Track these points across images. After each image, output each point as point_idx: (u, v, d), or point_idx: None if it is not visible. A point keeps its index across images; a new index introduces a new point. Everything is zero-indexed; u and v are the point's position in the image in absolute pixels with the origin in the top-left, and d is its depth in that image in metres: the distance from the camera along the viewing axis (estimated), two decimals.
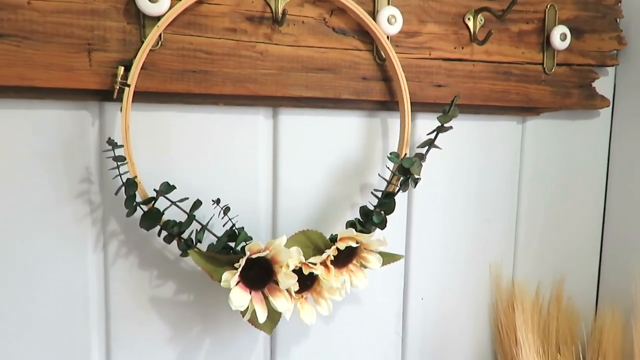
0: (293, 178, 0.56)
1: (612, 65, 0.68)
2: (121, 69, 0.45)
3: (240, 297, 0.46)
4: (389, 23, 0.53)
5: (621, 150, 0.72)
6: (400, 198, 0.60)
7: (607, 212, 0.73)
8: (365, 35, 0.54)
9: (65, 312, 0.49)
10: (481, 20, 0.59)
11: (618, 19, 0.66)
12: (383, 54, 0.54)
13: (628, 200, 0.71)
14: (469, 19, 0.58)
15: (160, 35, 0.46)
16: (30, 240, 0.47)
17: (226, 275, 0.46)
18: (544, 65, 0.63)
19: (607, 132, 0.72)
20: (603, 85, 0.69)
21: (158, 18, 0.46)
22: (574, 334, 0.70)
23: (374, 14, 0.54)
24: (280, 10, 0.50)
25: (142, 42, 0.46)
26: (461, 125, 0.62)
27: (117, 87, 0.45)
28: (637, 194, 0.70)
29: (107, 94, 0.46)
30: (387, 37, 0.54)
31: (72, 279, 0.49)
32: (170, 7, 0.45)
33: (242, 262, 0.46)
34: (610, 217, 0.73)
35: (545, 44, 0.62)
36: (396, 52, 0.54)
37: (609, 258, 0.74)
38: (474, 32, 0.59)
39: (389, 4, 0.54)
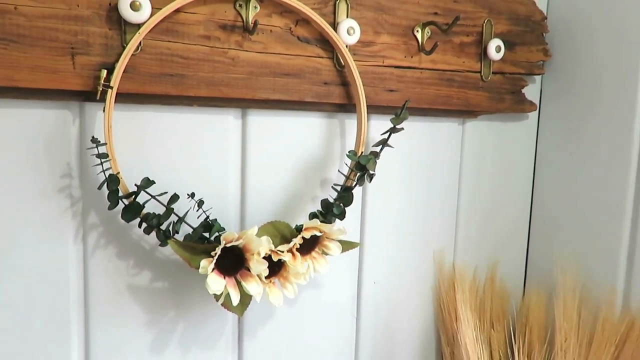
0: (260, 173, 0.60)
1: (539, 74, 0.77)
2: (104, 72, 0.48)
3: (216, 282, 0.50)
4: (348, 34, 0.59)
5: (546, 149, 0.81)
6: (357, 191, 0.66)
7: (533, 204, 0.83)
8: (327, 44, 0.59)
9: (47, 298, 0.51)
10: (428, 32, 0.65)
11: (544, 34, 0.75)
12: (342, 61, 0.60)
13: (552, 193, 0.80)
14: (417, 31, 0.65)
15: (140, 41, 0.50)
16: (14, 231, 0.49)
17: (203, 262, 0.50)
18: (482, 74, 0.70)
19: (534, 133, 0.81)
20: (531, 91, 0.77)
21: (138, 25, 0.49)
22: (505, 311, 0.78)
23: (334, 25, 0.59)
24: (251, 20, 0.54)
25: (123, 47, 0.49)
26: (410, 125, 0.69)
27: (100, 89, 0.48)
28: (560, 188, 0.79)
29: (89, 95, 0.49)
30: (346, 46, 0.59)
31: (53, 267, 0.51)
32: (151, 16, 0.49)
33: (218, 250, 0.50)
34: (536, 209, 0.82)
35: (483, 54, 0.70)
36: (354, 60, 0.59)
37: (535, 245, 0.83)
38: (422, 43, 0.65)
39: (348, 16, 0.60)
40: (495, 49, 0.69)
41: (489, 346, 0.75)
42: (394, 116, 0.61)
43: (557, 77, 0.78)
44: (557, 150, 0.79)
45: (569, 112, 0.77)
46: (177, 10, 0.51)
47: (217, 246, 0.50)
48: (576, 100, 0.76)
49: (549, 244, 0.80)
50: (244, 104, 0.58)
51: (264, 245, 0.53)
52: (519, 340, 0.74)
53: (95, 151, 0.48)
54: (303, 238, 0.55)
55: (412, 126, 0.69)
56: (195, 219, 0.54)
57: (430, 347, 0.76)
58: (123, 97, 0.50)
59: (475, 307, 0.75)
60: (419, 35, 0.65)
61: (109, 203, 0.49)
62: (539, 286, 0.78)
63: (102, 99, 0.48)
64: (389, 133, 0.61)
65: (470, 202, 0.76)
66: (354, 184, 0.60)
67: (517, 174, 0.80)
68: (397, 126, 0.61)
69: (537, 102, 0.79)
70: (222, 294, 0.51)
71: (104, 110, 0.48)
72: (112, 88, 0.48)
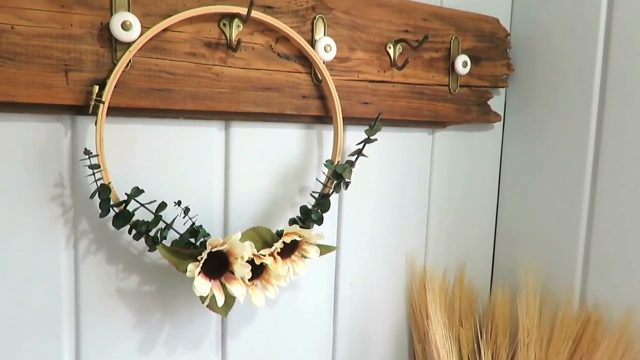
0: (242, 181, 0.64)
1: (503, 87, 0.82)
2: (96, 88, 0.51)
3: (202, 285, 0.53)
4: (325, 51, 0.63)
5: (510, 157, 0.86)
6: (333, 198, 0.70)
7: (499, 209, 0.88)
8: (305, 60, 0.63)
9: (39, 301, 0.53)
10: (400, 49, 0.70)
11: (508, 49, 0.80)
12: (320, 76, 0.64)
13: (516, 199, 0.85)
14: (389, 47, 0.69)
15: (130, 58, 0.53)
16: (8, 237, 0.51)
17: (190, 266, 0.53)
18: (450, 87, 0.75)
19: (499, 142, 0.86)
20: (496, 103, 0.82)
21: (129, 43, 0.52)
22: (473, 309, 0.83)
23: (312, 43, 0.63)
24: (234, 38, 0.58)
25: (114, 63, 0.52)
26: (383, 135, 0.73)
27: (92, 104, 0.51)
28: (523, 193, 0.84)
29: (80, 109, 0.52)
30: (323, 62, 0.63)
31: (46, 272, 0.54)
32: (140, 34, 0.52)
33: (205, 254, 0.53)
34: (501, 214, 0.88)
35: (451, 69, 0.74)
36: (330, 75, 0.63)
37: (500, 247, 0.88)
38: (394, 58, 0.70)
39: (325, 34, 0.64)
40: (462, 64, 0.74)
41: (457, 343, 0.79)
42: (368, 127, 0.65)
43: (520, 90, 0.84)
44: (520, 158, 0.84)
45: (531, 122, 0.83)
46: (165, 29, 0.54)
47: (203, 251, 0.54)
48: (537, 111, 0.81)
49: (513, 247, 0.86)
50: (228, 116, 0.61)
51: (247, 249, 0.56)
52: (485, 337, 0.79)
53: (88, 162, 0.50)
54: (284, 242, 0.59)
55: (385, 136, 0.74)
56: (181, 226, 0.58)
57: (403, 344, 0.80)
58: (113, 111, 0.53)
59: (444, 306, 0.79)
60: (391, 52, 0.69)
61: (101, 211, 0.52)
62: (504, 286, 0.83)
63: (94, 113, 0.51)
64: (363, 143, 0.65)
65: (440, 207, 0.81)
66: (331, 192, 0.64)
67: (484, 180, 0.85)
68: (371, 137, 0.65)
69: (501, 113, 0.84)
70: (207, 296, 0.54)
71: (95, 124, 0.51)
72: (103, 103, 0.51)
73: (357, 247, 0.74)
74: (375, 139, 0.65)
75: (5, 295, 0.52)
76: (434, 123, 0.77)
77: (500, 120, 0.82)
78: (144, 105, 0.54)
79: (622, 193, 0.71)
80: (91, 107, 0.51)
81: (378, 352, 0.78)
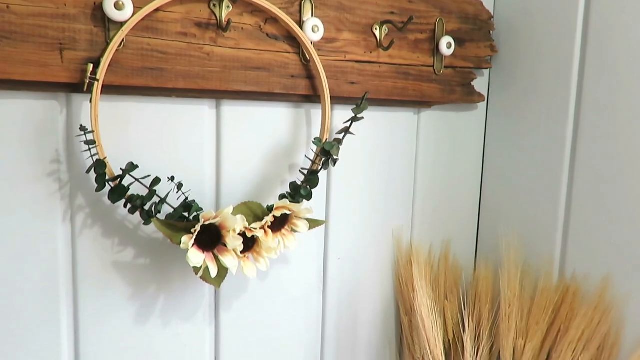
0: (234, 158, 0.66)
1: (487, 68, 0.84)
2: (90, 66, 0.52)
3: (196, 256, 0.56)
4: (312, 31, 0.65)
5: (494, 136, 0.89)
6: (322, 175, 0.72)
7: (483, 187, 0.91)
8: (293, 41, 0.65)
9: (38, 273, 0.55)
10: (385, 30, 0.72)
11: (491, 31, 0.82)
12: (308, 56, 0.65)
13: (499, 177, 0.88)
14: (376, 28, 0.71)
15: (123, 37, 0.54)
16: (7, 211, 0.53)
17: (184, 238, 0.55)
18: (435, 68, 0.77)
19: (483, 122, 0.89)
20: (480, 84, 0.85)
21: (121, 23, 0.54)
22: (458, 283, 0.86)
23: (300, 24, 0.65)
24: (224, 18, 0.60)
25: (107, 42, 0.54)
26: (370, 115, 0.75)
27: (87, 82, 0.52)
28: (506, 172, 0.87)
29: (76, 87, 0.53)
30: (311, 43, 0.65)
31: (44, 247, 0.56)
32: (133, 14, 0.54)
33: (198, 227, 0.56)
34: (485, 191, 0.90)
35: (435, 50, 0.76)
36: (318, 55, 0.65)
37: (484, 224, 0.91)
38: (380, 39, 0.72)
39: (312, 15, 0.65)
40: (446, 45, 0.76)
41: (442, 315, 0.82)
42: (355, 106, 0.67)
43: (503, 71, 0.86)
44: (504, 138, 0.87)
45: (513, 102, 0.85)
46: (157, 10, 0.56)
47: (197, 224, 0.56)
48: (520, 92, 0.84)
49: (497, 224, 0.88)
50: (218, 95, 0.63)
51: (239, 222, 0.58)
52: (469, 309, 0.82)
53: (83, 138, 0.52)
54: (274, 216, 0.61)
55: (372, 116, 0.76)
56: (175, 201, 0.60)
57: (390, 316, 0.83)
58: (108, 89, 0.55)
59: (430, 280, 0.82)
60: (377, 33, 0.71)
61: (97, 185, 0.53)
62: (487, 261, 0.86)
63: (89, 91, 0.53)
64: (350, 122, 0.67)
65: (426, 185, 0.84)
66: (319, 168, 0.66)
67: (468, 159, 0.88)
68: (358, 115, 0.67)
69: (485, 94, 0.87)
70: (201, 267, 0.57)
71: (90, 101, 0.53)
72: (98, 81, 0.53)
73: (345, 223, 0.76)
74: (362, 118, 0.67)
75: (5, 269, 0.54)
76: (420, 103, 0.79)
77: (484, 101, 0.85)
78: (137, 83, 0.56)
79: (599, 170, 0.74)
80: (86, 84, 0.52)
81: (366, 324, 0.81)
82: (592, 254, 0.75)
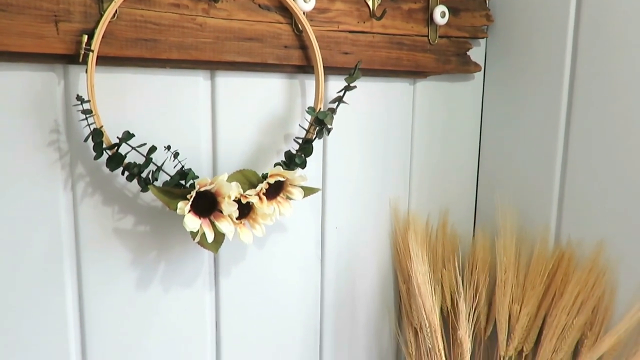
0: (229, 129, 0.67)
1: (483, 38, 0.84)
2: (85, 37, 0.54)
3: (192, 221, 0.58)
4: (304, 1, 0.65)
5: (491, 106, 0.89)
6: (318, 145, 0.73)
7: (480, 156, 0.91)
8: (285, 11, 0.66)
9: (42, 240, 0.58)
10: (378, 0, 0.72)
11: (487, 1, 0.83)
12: (300, 27, 0.66)
13: (497, 146, 0.89)
14: None
15: (116, 9, 0.56)
16: (9, 181, 0.55)
17: (180, 204, 0.57)
18: (429, 37, 0.78)
19: (480, 92, 0.89)
20: (477, 54, 0.85)
21: None
22: (455, 252, 0.87)
23: None
24: None
25: (101, 14, 0.55)
26: (365, 86, 0.76)
27: (82, 52, 0.54)
28: (504, 140, 0.87)
29: (72, 58, 0.55)
30: (304, 13, 0.66)
31: (46, 215, 0.58)
32: None
33: (193, 193, 0.57)
34: (483, 161, 0.91)
35: (430, 20, 0.77)
36: (311, 25, 0.66)
37: (483, 194, 0.92)
38: (373, 9, 0.72)
39: None
40: (440, 14, 0.76)
41: (440, 283, 0.84)
42: (348, 76, 0.68)
43: (499, 41, 0.86)
44: (501, 107, 0.87)
45: (510, 72, 0.85)
46: None
47: (193, 190, 0.57)
48: (516, 61, 0.84)
49: (494, 192, 0.89)
50: (212, 66, 0.64)
51: (234, 189, 0.60)
52: (466, 277, 0.83)
53: (80, 108, 0.54)
54: (268, 183, 0.63)
55: (367, 86, 0.77)
56: (172, 169, 0.61)
57: (389, 285, 0.85)
58: (103, 60, 0.56)
59: (428, 250, 0.83)
60: (370, 2, 0.72)
61: (95, 154, 0.55)
62: (485, 230, 0.87)
63: (84, 62, 0.54)
64: (344, 91, 0.68)
65: (423, 155, 0.85)
66: (313, 137, 0.68)
67: (465, 129, 0.88)
68: (351, 84, 0.68)
69: (482, 64, 0.87)
70: (198, 232, 0.59)
71: (86, 72, 0.54)
72: (93, 51, 0.54)
73: (342, 192, 0.77)
74: (355, 87, 0.68)
75: (9, 236, 0.56)
76: (415, 73, 0.80)
77: (480, 71, 0.85)
78: (132, 54, 0.57)
79: (594, 138, 0.74)
80: (81, 55, 0.54)
81: (365, 293, 0.83)
82: (586, 220, 0.76)
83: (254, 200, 0.61)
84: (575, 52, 0.76)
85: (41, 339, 0.59)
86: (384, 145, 0.80)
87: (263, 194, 0.63)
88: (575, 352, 0.75)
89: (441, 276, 0.84)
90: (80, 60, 0.54)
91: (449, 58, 0.80)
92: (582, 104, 0.76)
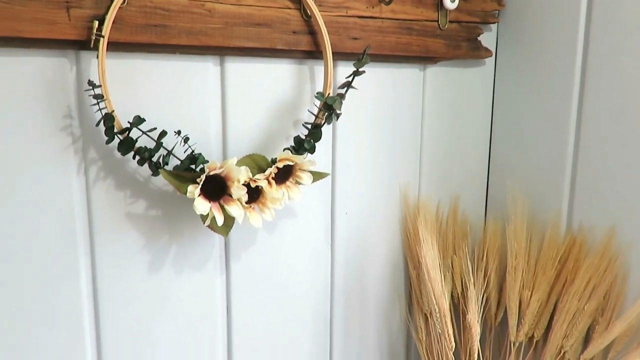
0: (239, 115, 0.68)
1: (494, 23, 0.84)
2: (96, 23, 0.55)
3: (202, 205, 0.58)
4: None
5: (502, 91, 0.88)
6: (328, 131, 0.74)
7: (492, 142, 0.91)
8: None
9: (56, 224, 0.59)
10: None
11: None
12: (309, 12, 0.66)
13: (508, 132, 0.88)
14: None
15: None
16: (24, 166, 0.56)
17: (190, 187, 0.58)
18: (439, 22, 0.77)
19: (492, 77, 0.88)
20: (488, 39, 0.84)
21: None
22: (466, 239, 0.87)
23: None
24: None
25: (111, 0, 0.56)
26: (374, 71, 0.76)
27: (94, 38, 0.55)
28: (515, 127, 0.87)
29: (83, 44, 0.56)
30: None
31: (60, 199, 0.59)
32: None
33: (203, 177, 0.58)
34: (494, 147, 0.91)
35: (439, 4, 0.76)
36: (319, 11, 0.66)
37: (494, 181, 0.92)
38: None
39: None
40: None
41: (451, 269, 0.84)
42: (356, 61, 0.68)
43: (511, 25, 0.85)
44: (512, 93, 0.87)
45: (522, 57, 0.84)
46: None
47: (202, 174, 0.58)
48: (528, 46, 0.83)
49: (506, 179, 0.89)
50: (222, 51, 0.65)
51: (243, 173, 0.60)
52: (477, 263, 0.83)
53: (92, 93, 0.55)
54: (277, 168, 0.63)
55: (377, 72, 0.77)
56: (182, 154, 0.62)
57: (399, 271, 0.85)
58: (113, 46, 0.57)
59: (438, 236, 0.83)
60: None
61: (107, 138, 0.56)
62: (497, 217, 0.87)
63: (95, 47, 0.55)
64: (352, 76, 0.68)
65: (433, 141, 0.84)
66: (322, 122, 0.68)
67: (477, 115, 0.88)
68: (360, 69, 0.68)
69: (493, 49, 0.86)
70: (208, 216, 0.59)
71: (97, 57, 0.55)
72: (103, 37, 0.55)
73: (351, 178, 0.78)
74: (364, 72, 0.68)
75: (26, 218, 0.58)
76: (425, 59, 0.79)
77: (491, 56, 0.84)
78: (142, 40, 0.58)
79: (606, 124, 0.73)
80: (92, 41, 0.55)
81: (375, 278, 0.83)
82: (598, 206, 0.75)
83: (263, 184, 0.62)
84: (588, 36, 0.75)
85: (56, 318, 0.60)
86: (394, 131, 0.80)
87: (272, 178, 0.63)
88: (587, 338, 0.75)
89: (451, 262, 0.84)
90: (92, 45, 0.55)
91: (459, 43, 0.80)
92: (594, 89, 0.75)
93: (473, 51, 0.82)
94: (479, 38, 0.82)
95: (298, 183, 0.66)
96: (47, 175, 0.58)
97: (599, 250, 0.74)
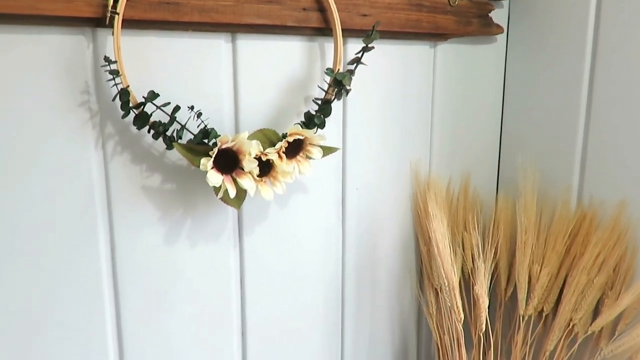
0: (250, 91, 0.69)
1: None
2: (111, 0, 0.56)
3: (215, 177, 0.60)
4: None
5: (514, 68, 0.88)
6: (338, 108, 0.75)
7: (504, 119, 0.91)
8: None
9: (76, 197, 0.61)
10: None
11: None
12: None
13: (519, 108, 0.88)
14: None
15: None
16: (45, 140, 0.59)
17: (203, 160, 0.60)
18: None
19: (503, 54, 0.88)
20: (499, 15, 0.84)
21: None
22: (477, 215, 0.87)
23: None
24: None
25: None
26: (384, 48, 0.77)
27: (109, 15, 0.57)
28: (526, 102, 0.87)
29: (99, 22, 0.58)
30: None
31: (79, 172, 0.61)
32: None
33: (216, 150, 0.60)
34: (506, 124, 0.91)
35: None
36: None
37: (505, 158, 0.92)
38: None
39: None
40: None
41: (461, 245, 0.85)
42: (365, 37, 0.69)
43: (522, 1, 0.85)
44: (524, 69, 0.87)
45: (533, 33, 0.84)
46: None
47: (215, 147, 0.60)
48: (539, 22, 0.83)
49: (518, 156, 0.89)
50: (233, 28, 0.66)
51: (254, 146, 0.62)
52: (488, 238, 0.84)
53: (108, 68, 0.57)
54: (288, 142, 0.65)
55: (387, 49, 0.77)
56: (195, 129, 0.64)
57: (410, 248, 0.86)
58: (128, 24, 0.59)
59: (449, 213, 0.84)
60: None
61: (122, 112, 0.58)
62: (508, 194, 0.87)
63: (111, 25, 0.57)
64: (362, 52, 0.69)
65: (444, 118, 0.85)
66: (332, 98, 0.69)
67: (488, 91, 0.88)
68: (369, 45, 0.69)
69: (505, 25, 0.86)
70: (220, 188, 0.61)
71: (113, 34, 0.57)
72: (118, 14, 0.57)
73: (362, 154, 0.79)
74: (373, 47, 0.69)
75: (46, 191, 0.60)
76: (435, 35, 0.80)
77: (502, 32, 0.84)
78: (155, 17, 0.60)
79: (616, 99, 0.73)
80: (107, 18, 0.57)
81: (387, 254, 0.85)
82: (609, 180, 0.75)
83: (273, 157, 0.64)
84: (599, 11, 0.74)
85: (77, 286, 0.63)
86: (404, 108, 0.81)
87: (283, 152, 0.65)
88: (596, 311, 0.75)
89: (462, 239, 0.85)
90: (107, 22, 0.57)
91: (470, 20, 0.80)
92: (605, 64, 0.75)
93: (484, 27, 0.82)
94: (490, 14, 0.82)
95: (308, 157, 0.68)
96: (67, 149, 0.60)
97: (609, 224, 0.74)
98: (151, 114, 0.60)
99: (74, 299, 0.63)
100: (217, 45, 0.66)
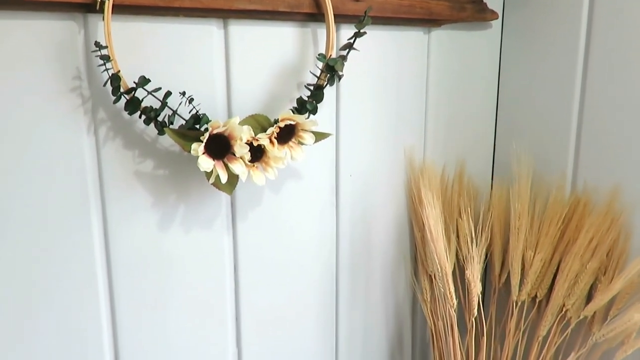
0: (242, 78, 0.69)
1: None
2: None
3: (206, 162, 0.61)
4: None
5: (509, 54, 0.88)
6: (331, 94, 0.75)
7: (499, 106, 0.91)
8: None
9: (69, 181, 0.62)
10: None
11: None
12: None
13: (514, 94, 0.88)
14: None
15: None
16: (37, 126, 0.59)
17: (194, 145, 0.60)
18: None
19: (499, 40, 0.88)
20: (494, 1, 0.84)
21: None
22: (472, 202, 0.88)
23: None
24: None
25: None
26: (378, 35, 0.77)
27: (99, 0, 0.57)
28: (521, 89, 0.87)
29: (89, 7, 0.58)
30: None
31: (71, 158, 0.62)
32: None
33: (207, 135, 0.60)
34: (501, 111, 0.91)
35: None
36: None
37: (501, 144, 0.92)
38: None
39: None
40: None
41: (456, 232, 0.85)
42: (357, 22, 0.69)
43: None
44: (519, 56, 0.86)
45: (528, 19, 0.84)
46: None
47: (206, 132, 0.60)
48: (534, 9, 0.83)
49: (513, 141, 0.89)
50: (224, 14, 0.66)
51: (245, 132, 0.62)
52: (482, 225, 0.84)
53: (99, 54, 0.57)
54: (279, 127, 0.65)
55: (380, 35, 0.77)
56: (187, 115, 0.64)
57: (404, 233, 0.87)
58: (119, 9, 0.59)
59: (444, 200, 0.84)
60: None
61: (114, 97, 0.59)
62: (503, 181, 0.87)
63: (101, 10, 0.57)
64: (354, 37, 0.69)
65: (438, 105, 0.85)
66: (324, 84, 0.69)
67: (483, 78, 0.88)
68: (361, 30, 0.69)
69: (500, 11, 0.86)
70: (212, 173, 0.62)
71: (103, 19, 0.57)
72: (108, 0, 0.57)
73: (355, 140, 0.79)
74: (365, 33, 0.69)
75: (39, 177, 0.61)
76: (428, 21, 0.80)
77: (497, 19, 0.84)
78: (145, 3, 0.60)
79: (610, 85, 0.73)
80: (98, 3, 0.57)
81: (381, 241, 0.85)
82: (603, 166, 0.75)
83: (265, 142, 0.64)
84: None
85: (70, 271, 0.64)
86: (398, 95, 0.81)
87: (274, 137, 0.65)
88: (589, 296, 0.76)
89: (457, 225, 0.85)
90: (97, 8, 0.57)
91: (463, 5, 0.80)
92: (599, 51, 0.74)
93: (478, 13, 0.81)
94: (484, 0, 0.81)
95: (300, 143, 0.68)
96: (59, 134, 0.61)
97: (602, 209, 0.74)
98: (142, 100, 0.60)
99: (67, 286, 0.64)
100: (208, 30, 0.66)
